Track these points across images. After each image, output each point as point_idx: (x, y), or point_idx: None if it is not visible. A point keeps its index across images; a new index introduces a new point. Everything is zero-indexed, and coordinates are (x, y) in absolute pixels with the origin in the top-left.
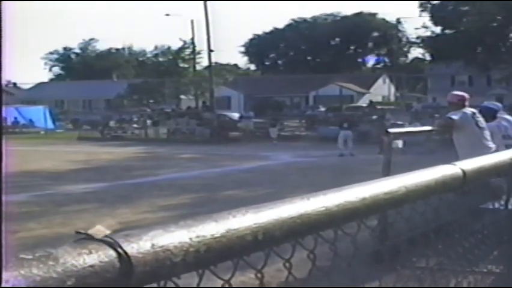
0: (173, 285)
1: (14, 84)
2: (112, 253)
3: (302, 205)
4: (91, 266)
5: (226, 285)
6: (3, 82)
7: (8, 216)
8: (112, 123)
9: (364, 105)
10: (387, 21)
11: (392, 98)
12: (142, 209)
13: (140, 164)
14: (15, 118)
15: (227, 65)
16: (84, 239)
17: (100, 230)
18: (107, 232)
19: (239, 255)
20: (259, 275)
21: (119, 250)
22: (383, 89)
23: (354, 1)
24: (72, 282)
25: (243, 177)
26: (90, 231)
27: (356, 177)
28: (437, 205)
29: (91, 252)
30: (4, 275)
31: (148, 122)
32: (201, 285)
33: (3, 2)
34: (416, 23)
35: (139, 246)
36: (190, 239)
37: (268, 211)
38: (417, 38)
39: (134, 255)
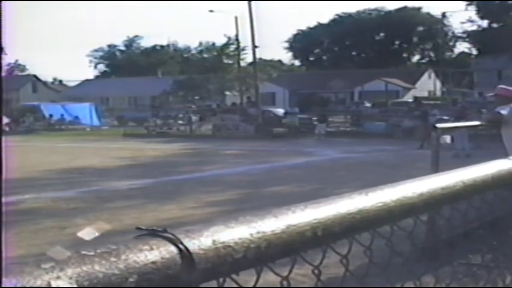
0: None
1: (60, 81)
2: (173, 249)
3: (360, 200)
4: (153, 263)
5: (285, 282)
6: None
7: (57, 212)
8: (157, 120)
9: (410, 100)
10: (432, 16)
11: (438, 93)
12: (188, 205)
13: (186, 160)
14: (62, 115)
15: (271, 61)
16: (145, 235)
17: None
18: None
19: (298, 252)
20: (316, 271)
21: (181, 246)
22: (428, 84)
23: None
24: (134, 278)
25: (289, 173)
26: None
27: (404, 172)
28: (492, 200)
29: (152, 249)
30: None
31: (193, 118)
32: (258, 283)
33: (3, 2)
34: (462, 17)
35: (200, 242)
36: (251, 235)
37: (327, 206)
38: (464, 32)
39: (195, 251)
